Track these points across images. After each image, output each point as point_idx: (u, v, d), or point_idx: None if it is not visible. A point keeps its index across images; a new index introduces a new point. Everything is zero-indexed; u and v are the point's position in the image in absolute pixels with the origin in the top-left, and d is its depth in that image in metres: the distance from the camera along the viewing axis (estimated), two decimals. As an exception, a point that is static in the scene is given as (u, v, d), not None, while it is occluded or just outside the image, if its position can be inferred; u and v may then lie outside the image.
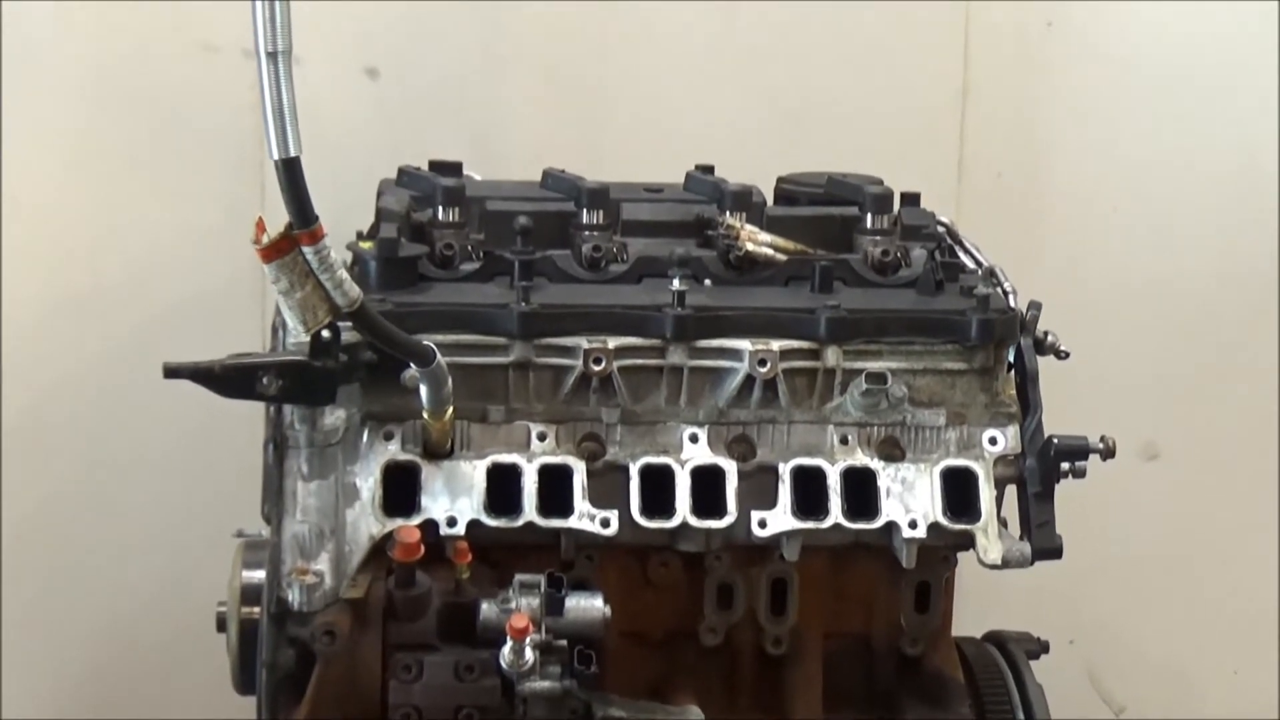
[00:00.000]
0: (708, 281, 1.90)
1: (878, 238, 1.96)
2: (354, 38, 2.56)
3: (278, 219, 1.60)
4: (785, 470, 1.82)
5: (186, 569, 2.57)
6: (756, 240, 1.92)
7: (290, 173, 1.56)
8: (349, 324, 1.68)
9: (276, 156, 1.56)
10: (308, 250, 1.61)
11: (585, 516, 1.79)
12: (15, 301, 2.57)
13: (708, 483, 1.81)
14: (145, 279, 2.58)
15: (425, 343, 1.74)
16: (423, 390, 1.76)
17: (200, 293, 2.56)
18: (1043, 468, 1.84)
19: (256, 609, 1.82)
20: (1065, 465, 1.84)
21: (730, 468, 1.81)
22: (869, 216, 1.98)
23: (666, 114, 2.60)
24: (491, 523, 1.78)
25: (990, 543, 1.81)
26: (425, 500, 1.79)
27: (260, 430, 1.84)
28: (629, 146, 2.56)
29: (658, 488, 1.81)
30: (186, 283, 2.57)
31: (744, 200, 1.98)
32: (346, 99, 2.55)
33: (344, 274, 1.64)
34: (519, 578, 1.72)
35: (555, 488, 1.80)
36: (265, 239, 1.60)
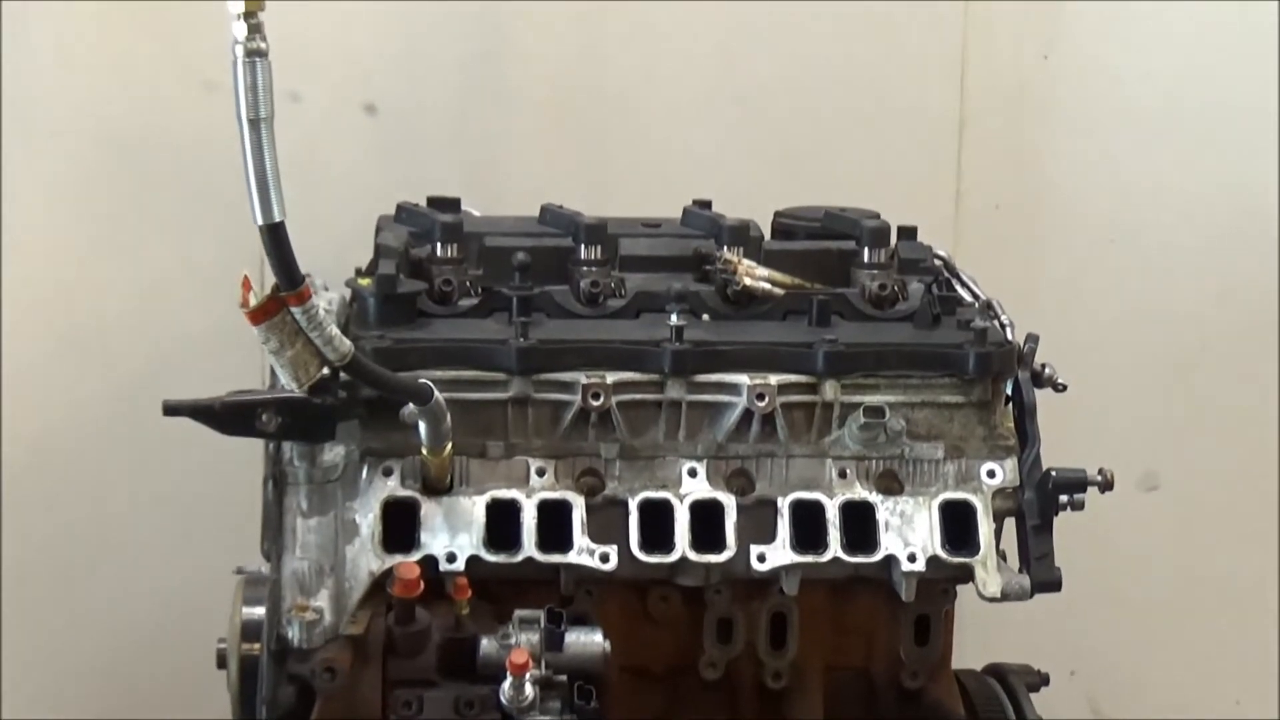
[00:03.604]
0: (705, 316, 1.91)
1: (875, 271, 1.97)
2: (352, 74, 2.59)
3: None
4: (784, 504, 1.82)
5: (186, 606, 2.57)
6: (754, 275, 1.93)
7: (275, 237, 1.59)
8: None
9: (261, 222, 1.59)
10: (296, 310, 1.64)
11: (584, 552, 1.79)
12: (16, 339, 2.58)
13: (707, 517, 1.82)
14: (146, 316, 2.60)
15: (422, 381, 1.75)
16: (421, 427, 1.76)
17: (200, 330, 2.57)
18: (1041, 500, 1.85)
19: (257, 645, 1.81)
20: (1064, 498, 1.85)
21: (729, 502, 1.82)
22: (866, 250, 1.99)
23: (664, 149, 2.62)
24: (491, 558, 1.78)
25: (989, 575, 1.82)
26: (424, 536, 1.79)
27: (260, 467, 1.84)
28: (627, 182, 2.58)
29: (657, 522, 1.81)
30: (186, 320, 2.59)
31: (741, 235, 1.99)
32: (345, 135, 2.58)
33: (334, 329, 1.67)
34: (519, 613, 1.73)
35: (554, 523, 1.80)
36: (252, 300, 1.63)
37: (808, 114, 2.64)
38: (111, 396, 2.59)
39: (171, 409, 1.73)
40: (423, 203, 2.12)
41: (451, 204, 2.11)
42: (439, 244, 1.95)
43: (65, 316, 2.60)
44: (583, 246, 1.96)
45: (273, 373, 1.86)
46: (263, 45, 1.55)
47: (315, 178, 2.46)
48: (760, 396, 1.83)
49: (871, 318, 1.93)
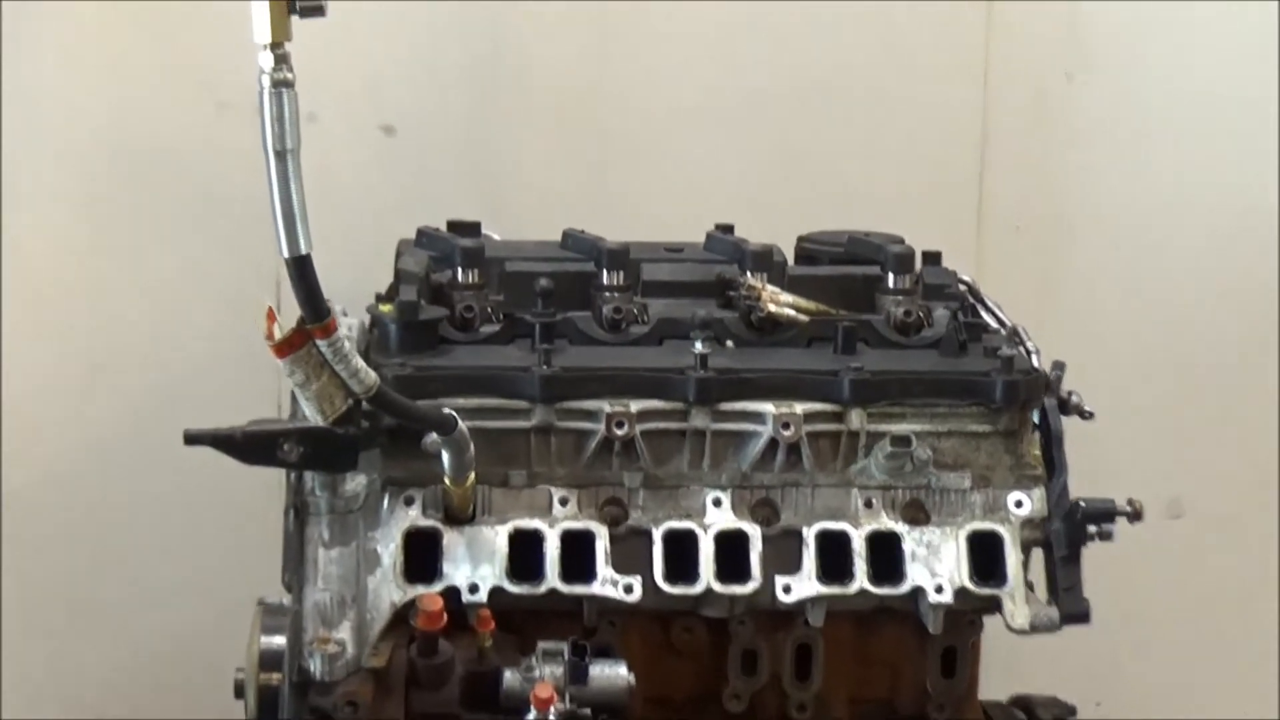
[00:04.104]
0: (729, 343, 1.91)
1: (900, 298, 1.97)
2: (369, 94, 2.58)
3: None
4: (809, 534, 1.82)
5: (205, 636, 2.54)
6: (778, 301, 1.92)
7: (301, 270, 1.60)
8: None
9: (287, 255, 1.60)
10: (321, 343, 1.64)
11: (608, 582, 1.79)
12: (19, 360, 2.56)
13: (731, 547, 1.81)
14: (158, 339, 2.58)
15: (447, 411, 1.75)
16: (444, 456, 1.76)
17: (215, 354, 2.55)
18: (1069, 531, 1.84)
19: (275, 675, 1.78)
20: (1092, 528, 1.84)
21: (754, 532, 1.81)
22: (891, 276, 1.99)
23: (686, 172, 2.61)
24: (514, 589, 1.78)
25: (1017, 607, 1.81)
26: (447, 566, 1.79)
27: (280, 496, 1.83)
28: (649, 206, 2.57)
29: (681, 553, 1.81)
30: (201, 344, 2.57)
31: (765, 260, 1.99)
32: (362, 156, 2.56)
33: (359, 362, 1.67)
34: (542, 646, 1.73)
35: (578, 553, 1.80)
36: (277, 332, 1.63)
37: (830, 136, 2.62)
38: (126, 423, 2.57)
39: (192, 438, 1.73)
40: (442, 226, 2.12)
41: (472, 228, 2.11)
42: (460, 269, 1.96)
43: (70, 338, 2.57)
44: (605, 272, 1.96)
45: (293, 398, 1.86)
46: (289, 76, 1.56)
47: (332, 199, 2.43)
48: (785, 425, 1.83)
49: (897, 345, 1.93)
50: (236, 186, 2.47)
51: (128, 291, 2.58)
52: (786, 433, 1.82)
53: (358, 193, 2.53)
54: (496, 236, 2.13)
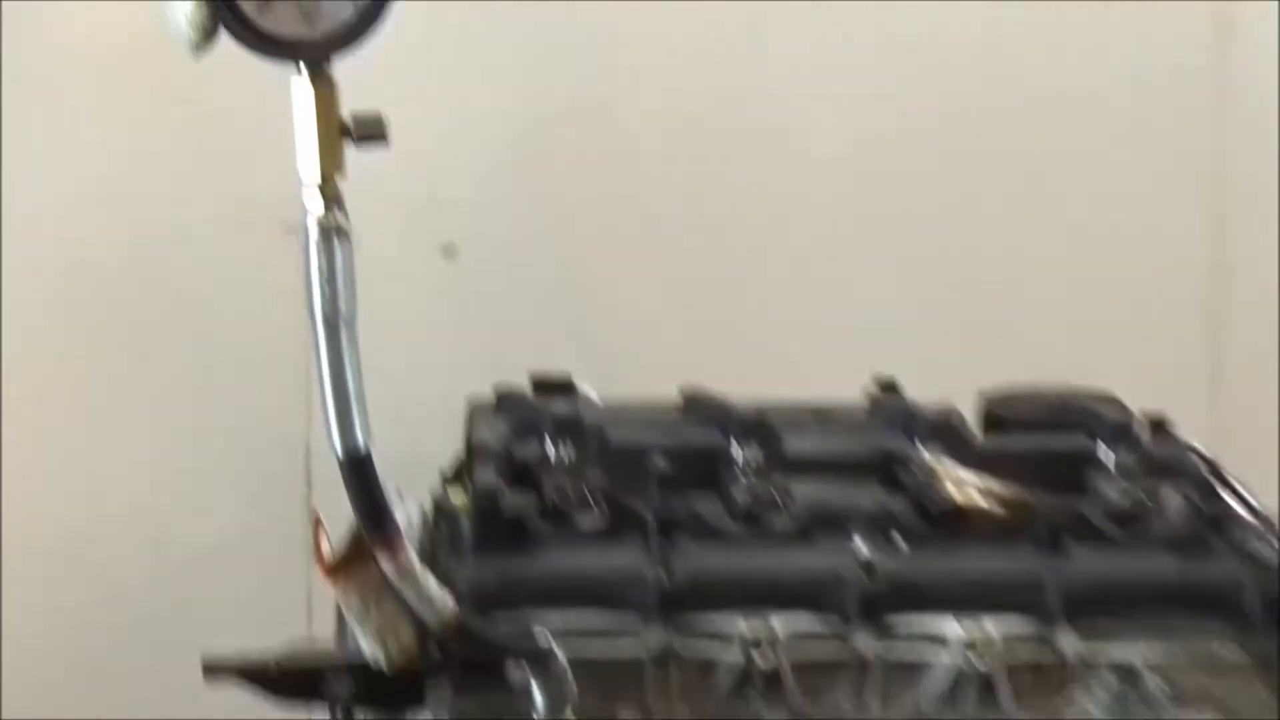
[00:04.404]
0: (900, 539, 1.80)
1: (1119, 478, 1.86)
2: (426, 206, 2.50)
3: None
4: (1012, 795, 1.57)
5: None
6: (961, 484, 1.78)
7: (359, 472, 1.48)
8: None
9: (340, 454, 1.47)
10: (385, 562, 1.52)
11: None
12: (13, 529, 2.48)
13: (909, 812, 1.58)
14: (159, 522, 2.51)
15: (542, 641, 1.62)
16: (535, 691, 1.62)
17: (228, 524, 2.49)
18: (1356, 792, 1.62)
19: None
20: (1387, 786, 1.65)
21: (941, 793, 1.59)
22: (1106, 449, 1.87)
23: (836, 309, 2.49)
24: None
25: None
26: (536, 838, 1.56)
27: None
28: (789, 355, 2.45)
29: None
30: (213, 513, 2.50)
31: (943, 429, 1.85)
32: (416, 285, 2.48)
33: (432, 585, 1.55)
34: None
35: (708, 816, 1.56)
36: (327, 548, 1.50)
37: (1017, 258, 2.55)
38: (117, 623, 2.50)
39: (213, 668, 1.63)
40: (520, 376, 2.00)
41: (563, 387, 1.99)
42: (550, 442, 1.83)
43: (66, 508, 2.51)
44: (737, 445, 1.85)
45: (338, 610, 1.82)
46: (344, 222, 1.42)
47: (378, 342, 2.41)
48: (975, 650, 1.71)
49: (1117, 541, 1.78)
50: (257, 323, 2.43)
51: (122, 463, 2.50)
52: (977, 660, 1.72)
53: (411, 333, 2.44)
54: (595, 397, 2.01)
